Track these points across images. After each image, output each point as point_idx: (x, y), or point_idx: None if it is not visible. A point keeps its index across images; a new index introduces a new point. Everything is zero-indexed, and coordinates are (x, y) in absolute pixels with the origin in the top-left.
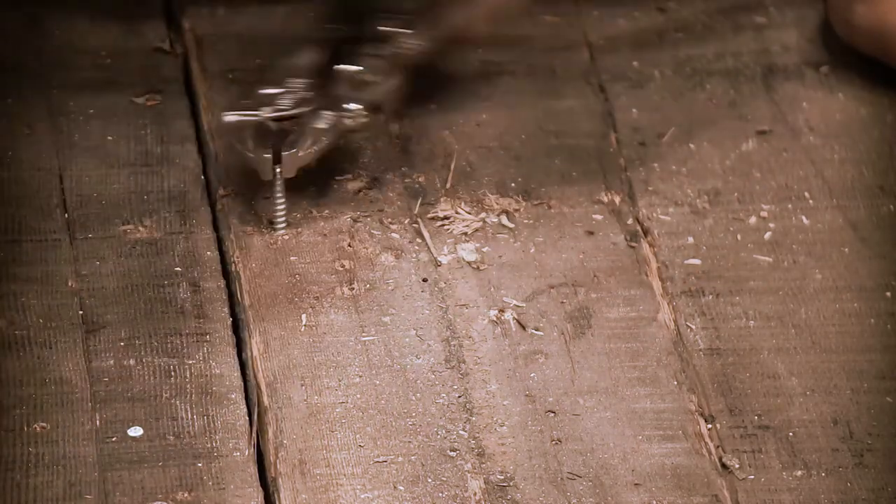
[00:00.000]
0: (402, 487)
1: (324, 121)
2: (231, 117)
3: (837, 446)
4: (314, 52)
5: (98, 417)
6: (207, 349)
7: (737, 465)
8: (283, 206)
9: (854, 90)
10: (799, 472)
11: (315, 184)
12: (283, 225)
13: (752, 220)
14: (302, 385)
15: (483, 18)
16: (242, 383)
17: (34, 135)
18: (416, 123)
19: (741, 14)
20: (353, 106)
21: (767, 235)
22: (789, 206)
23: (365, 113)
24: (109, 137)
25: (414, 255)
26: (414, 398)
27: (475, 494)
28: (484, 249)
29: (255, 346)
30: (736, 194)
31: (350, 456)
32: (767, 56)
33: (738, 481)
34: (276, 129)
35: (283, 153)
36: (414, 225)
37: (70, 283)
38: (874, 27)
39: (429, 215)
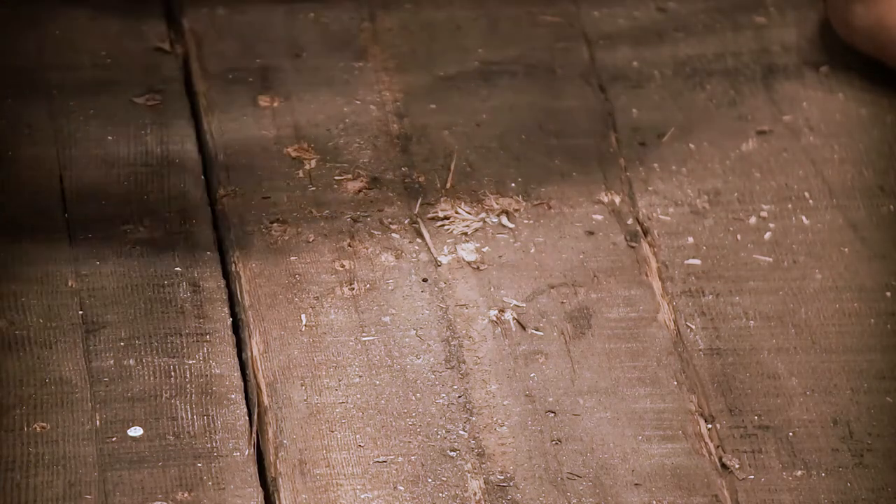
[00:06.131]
0: (402, 487)
1: None
2: None
3: (837, 446)
4: None
5: (98, 417)
6: (207, 349)
7: (737, 465)
8: None
9: (854, 90)
10: (799, 472)
11: (315, 184)
12: None
13: (752, 220)
14: (302, 385)
15: None
16: (242, 383)
17: (34, 135)
18: (416, 123)
19: (741, 14)
20: None
21: (767, 235)
22: (789, 206)
23: None
24: (109, 137)
25: (414, 255)
26: (414, 398)
27: (475, 494)
28: (484, 249)
29: (255, 346)
30: (736, 194)
31: (350, 456)
32: (767, 56)
33: (737, 481)
34: None
35: None
36: (414, 225)
37: (70, 283)
38: (872, 27)
39: (429, 215)
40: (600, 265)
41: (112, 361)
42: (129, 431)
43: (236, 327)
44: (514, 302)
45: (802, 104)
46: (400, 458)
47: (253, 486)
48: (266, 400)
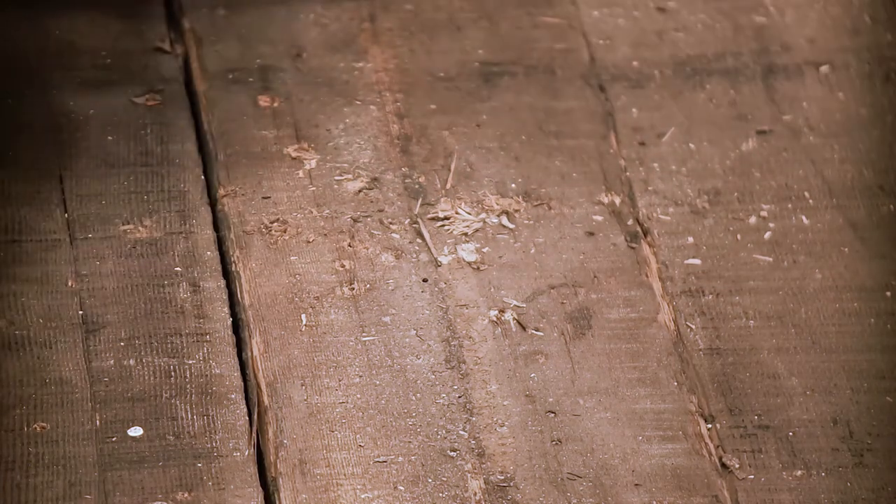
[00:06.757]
0: (402, 487)
1: None
2: None
3: (837, 446)
4: None
5: (98, 417)
6: (207, 349)
7: (737, 465)
8: None
9: (854, 90)
10: (799, 472)
11: (315, 184)
12: None
13: (752, 220)
14: (302, 385)
15: None
16: (242, 383)
17: (34, 135)
18: (416, 123)
19: (741, 14)
20: None
21: (767, 235)
22: (789, 205)
23: None
24: (109, 137)
25: (414, 256)
26: (414, 398)
27: (475, 494)
28: (484, 250)
29: (255, 346)
30: (736, 194)
31: (350, 456)
32: (767, 56)
33: (738, 481)
34: None
35: None
36: (414, 225)
37: (70, 283)
38: None
39: (429, 215)
40: (600, 266)
41: (112, 361)
42: (129, 431)
43: (236, 327)
44: (515, 302)
45: (802, 104)
46: (400, 458)
47: (253, 486)
48: (266, 400)
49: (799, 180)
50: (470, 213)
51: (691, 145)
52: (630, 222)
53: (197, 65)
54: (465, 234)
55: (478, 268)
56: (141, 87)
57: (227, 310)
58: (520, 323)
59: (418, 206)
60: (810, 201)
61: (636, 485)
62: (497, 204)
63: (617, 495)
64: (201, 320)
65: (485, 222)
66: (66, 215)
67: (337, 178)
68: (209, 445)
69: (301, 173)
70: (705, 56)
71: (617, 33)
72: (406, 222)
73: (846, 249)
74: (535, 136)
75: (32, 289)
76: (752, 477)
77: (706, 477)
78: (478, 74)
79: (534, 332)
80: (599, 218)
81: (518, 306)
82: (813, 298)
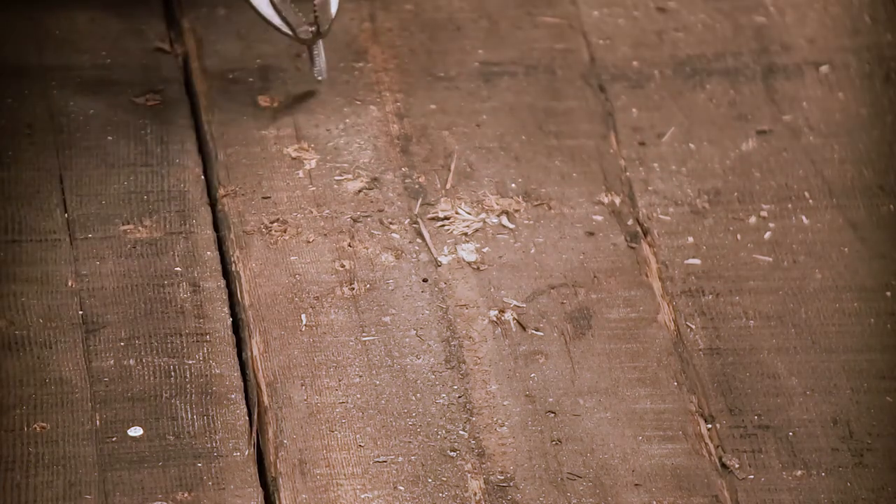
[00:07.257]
0: (402, 487)
1: None
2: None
3: (837, 446)
4: None
5: (98, 417)
6: (207, 349)
7: (737, 465)
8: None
9: (854, 90)
10: (799, 472)
11: (315, 184)
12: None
13: (752, 219)
14: (302, 385)
15: None
16: (242, 383)
17: (34, 135)
18: (416, 123)
19: (741, 14)
20: None
21: (767, 235)
22: (789, 205)
23: None
24: (109, 137)
25: (414, 256)
26: (414, 398)
27: (475, 495)
28: (484, 250)
29: (255, 346)
30: (736, 194)
31: (350, 456)
32: (767, 56)
33: (738, 481)
34: None
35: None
36: (414, 225)
37: (70, 283)
38: None
39: (429, 215)
40: (600, 266)
41: (112, 361)
42: (129, 431)
43: (236, 327)
44: (515, 302)
45: (802, 104)
46: (400, 458)
47: (253, 486)
48: (266, 400)
49: (799, 180)
50: (470, 213)
51: (691, 145)
52: (630, 222)
53: (197, 65)
54: (465, 234)
55: (478, 268)
56: (141, 87)
57: (227, 310)
58: (520, 323)
59: (418, 206)
60: (810, 201)
61: (636, 485)
62: (497, 204)
63: (617, 495)
64: (201, 320)
65: (485, 222)
66: (65, 215)
67: (337, 178)
68: (209, 445)
69: (301, 173)
70: (705, 56)
71: (617, 33)
72: (406, 222)
73: (846, 249)
74: (535, 136)
75: (32, 289)
76: (752, 477)
77: (706, 477)
78: (478, 74)
79: (534, 332)
80: (599, 218)
81: (518, 306)
82: (813, 298)
